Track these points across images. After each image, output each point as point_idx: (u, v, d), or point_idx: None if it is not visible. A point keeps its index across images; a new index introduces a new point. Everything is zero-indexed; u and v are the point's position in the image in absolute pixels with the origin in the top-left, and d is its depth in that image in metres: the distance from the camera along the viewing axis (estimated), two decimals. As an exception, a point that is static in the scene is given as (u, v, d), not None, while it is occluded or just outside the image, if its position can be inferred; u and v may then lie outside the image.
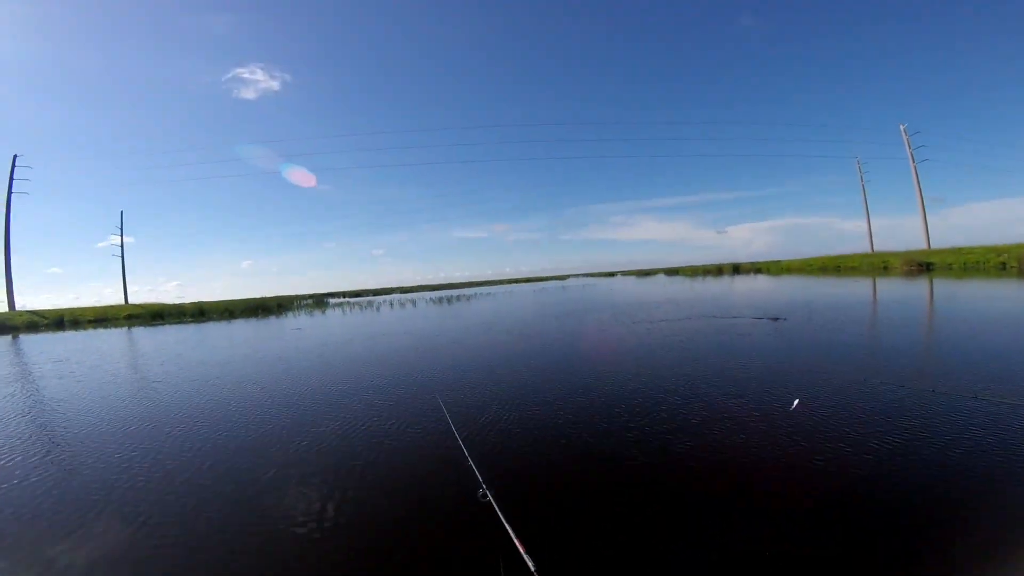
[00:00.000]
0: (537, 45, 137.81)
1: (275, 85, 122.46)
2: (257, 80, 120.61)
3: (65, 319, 34.45)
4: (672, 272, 66.80)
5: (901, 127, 44.34)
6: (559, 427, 4.85)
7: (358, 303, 43.66)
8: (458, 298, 38.39)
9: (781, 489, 3.26)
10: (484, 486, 3.03)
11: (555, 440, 4.49)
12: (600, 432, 4.61)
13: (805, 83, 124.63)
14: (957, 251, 31.34)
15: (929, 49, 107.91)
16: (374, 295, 70.93)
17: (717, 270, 54.92)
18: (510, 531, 2.47)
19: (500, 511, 2.69)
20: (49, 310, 36.70)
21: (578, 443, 4.38)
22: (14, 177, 39.39)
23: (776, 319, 11.43)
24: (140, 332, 24.61)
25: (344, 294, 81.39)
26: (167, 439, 5.27)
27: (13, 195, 39.40)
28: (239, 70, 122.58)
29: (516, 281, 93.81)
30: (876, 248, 49.10)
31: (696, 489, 3.37)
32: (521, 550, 2.25)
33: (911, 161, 43.74)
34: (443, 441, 4.49)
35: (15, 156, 39.52)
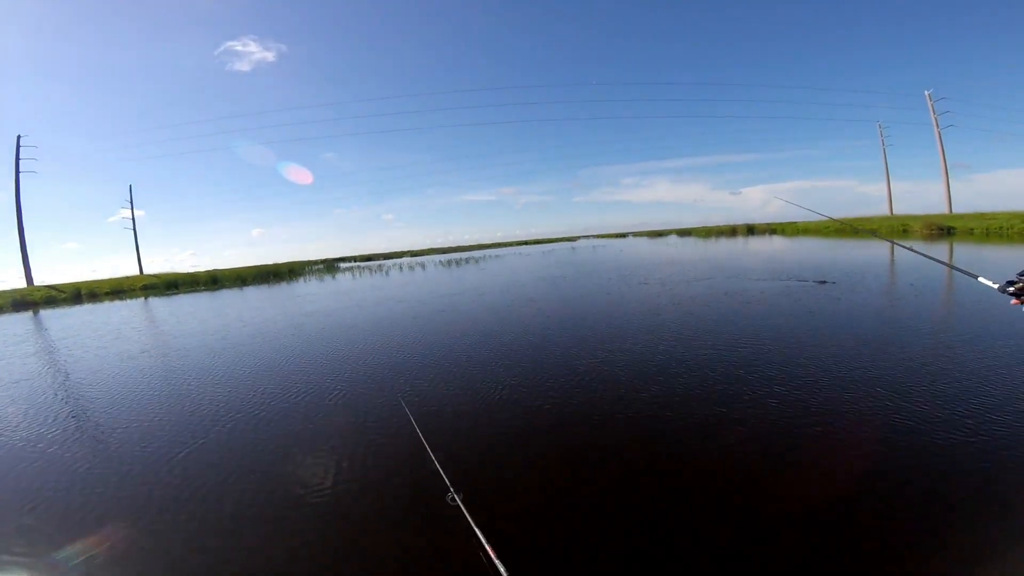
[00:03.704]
0: (545, 4, 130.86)
1: (270, 56, 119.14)
2: (251, 52, 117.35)
3: (82, 292, 35.12)
4: (684, 233, 65.33)
5: (926, 93, 43.72)
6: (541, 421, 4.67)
7: (368, 267, 43.83)
8: (465, 261, 38.28)
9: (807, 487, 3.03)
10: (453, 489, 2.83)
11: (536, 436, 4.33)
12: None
13: (826, 46, 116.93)
14: (980, 216, 30.53)
15: (957, 12, 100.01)
16: (384, 259, 71.11)
17: (731, 231, 53.57)
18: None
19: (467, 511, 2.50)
20: (66, 284, 37.44)
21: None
22: (20, 157, 39.33)
23: (823, 282, 11.01)
24: (154, 302, 25.02)
25: (355, 259, 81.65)
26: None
27: (22, 175, 39.47)
28: (231, 43, 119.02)
29: (526, 243, 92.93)
30: (896, 212, 48.31)
31: (700, 488, 3.15)
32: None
33: (935, 127, 43.51)
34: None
35: (19, 136, 39.27)
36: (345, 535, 2.92)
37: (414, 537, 2.84)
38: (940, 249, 19.40)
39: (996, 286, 1.82)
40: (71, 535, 3.11)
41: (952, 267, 2.30)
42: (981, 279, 1.95)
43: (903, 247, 2.78)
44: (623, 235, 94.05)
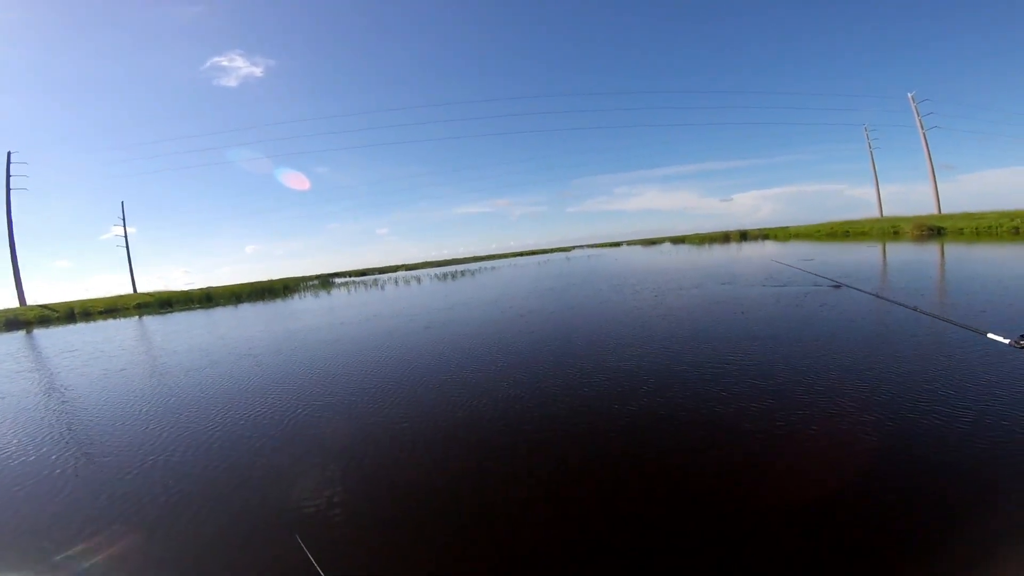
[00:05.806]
0: (535, 14, 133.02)
1: (257, 71, 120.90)
2: (237, 67, 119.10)
3: (76, 311, 35.00)
4: (678, 240, 65.63)
5: (909, 95, 44.58)
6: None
7: (362, 282, 43.80)
8: (460, 274, 38.30)
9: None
10: None
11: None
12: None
13: (811, 50, 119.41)
14: (969, 216, 30.98)
15: (941, 16, 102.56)
16: (379, 273, 71.09)
17: (724, 237, 53.96)
18: None
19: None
20: (59, 303, 37.30)
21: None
22: (11, 174, 39.43)
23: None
24: (148, 320, 24.94)
25: (350, 273, 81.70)
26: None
27: (12, 192, 39.55)
28: (217, 58, 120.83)
29: (521, 254, 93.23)
30: (885, 214, 48.73)
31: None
32: None
33: (920, 129, 44.30)
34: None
35: (9, 152, 39.45)
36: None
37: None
38: (931, 250, 19.64)
39: (1007, 341, 1.70)
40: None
41: (957, 324, 2.15)
42: (991, 335, 1.82)
43: (908, 308, 2.81)
44: (617, 244, 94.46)
